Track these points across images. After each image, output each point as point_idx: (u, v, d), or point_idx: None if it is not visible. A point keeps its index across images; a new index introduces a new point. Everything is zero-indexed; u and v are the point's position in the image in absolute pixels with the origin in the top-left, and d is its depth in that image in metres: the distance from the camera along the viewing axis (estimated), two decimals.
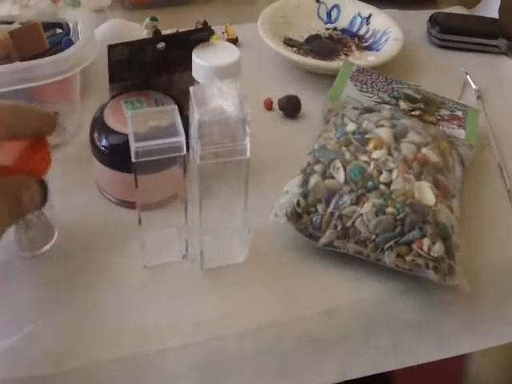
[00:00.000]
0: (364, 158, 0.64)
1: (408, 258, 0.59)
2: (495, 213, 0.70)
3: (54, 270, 0.59)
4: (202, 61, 0.66)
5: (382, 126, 0.68)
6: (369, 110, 0.72)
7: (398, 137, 0.67)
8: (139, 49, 0.68)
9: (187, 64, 0.72)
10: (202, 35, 0.72)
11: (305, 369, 0.57)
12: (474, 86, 0.88)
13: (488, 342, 0.62)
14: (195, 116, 0.55)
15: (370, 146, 0.65)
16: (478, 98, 0.86)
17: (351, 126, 0.68)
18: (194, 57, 0.66)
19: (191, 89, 0.57)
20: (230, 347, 0.56)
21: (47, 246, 0.61)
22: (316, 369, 0.57)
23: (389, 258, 0.59)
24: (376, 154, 0.64)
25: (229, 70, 0.66)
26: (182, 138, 0.56)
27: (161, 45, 0.70)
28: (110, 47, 0.66)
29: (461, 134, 0.75)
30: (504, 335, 0.62)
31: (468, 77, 0.90)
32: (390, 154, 0.64)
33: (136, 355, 0.54)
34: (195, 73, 0.67)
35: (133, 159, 0.55)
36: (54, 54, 0.69)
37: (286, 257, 0.62)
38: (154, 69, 0.70)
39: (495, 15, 1.02)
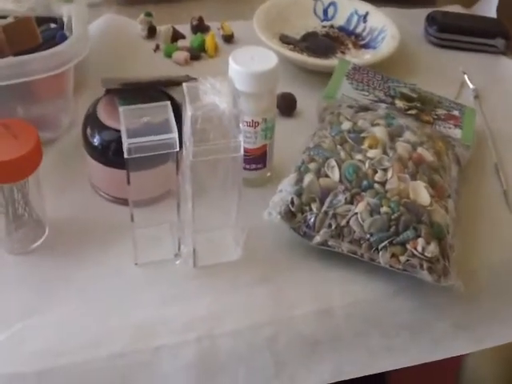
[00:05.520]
0: (359, 156, 0.63)
1: (402, 258, 0.58)
2: (491, 213, 0.69)
3: (43, 267, 0.59)
4: (239, 67, 0.63)
5: (378, 124, 0.67)
6: (364, 109, 0.72)
7: (394, 136, 0.66)
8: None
9: None
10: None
11: (297, 368, 0.56)
12: (471, 85, 0.87)
13: (482, 344, 0.62)
14: (188, 112, 0.55)
15: (366, 144, 0.65)
16: (476, 97, 0.86)
17: (347, 125, 0.67)
18: (230, 62, 0.64)
19: (184, 85, 0.57)
20: (223, 346, 0.55)
21: (37, 243, 0.61)
22: (309, 369, 0.56)
23: (383, 258, 0.59)
24: (371, 153, 0.63)
25: (267, 76, 0.64)
26: (175, 135, 0.55)
27: None
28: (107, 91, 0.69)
29: (457, 133, 0.74)
30: (499, 337, 0.62)
31: (465, 76, 0.89)
32: (385, 152, 0.64)
33: (127, 353, 0.53)
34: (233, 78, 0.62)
35: (125, 155, 0.54)
36: (47, 48, 0.68)
37: (280, 255, 0.61)
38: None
39: (493, 14, 1.01)
